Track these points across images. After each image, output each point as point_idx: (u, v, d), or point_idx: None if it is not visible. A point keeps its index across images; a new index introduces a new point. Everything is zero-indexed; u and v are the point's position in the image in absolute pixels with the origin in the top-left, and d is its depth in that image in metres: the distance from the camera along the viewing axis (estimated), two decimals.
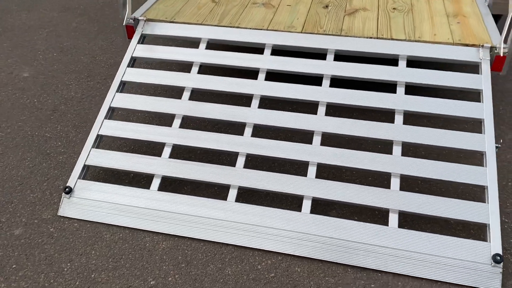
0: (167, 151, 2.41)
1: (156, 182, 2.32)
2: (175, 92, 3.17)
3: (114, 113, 2.87)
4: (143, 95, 2.61)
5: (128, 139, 2.57)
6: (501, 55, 2.42)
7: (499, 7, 3.10)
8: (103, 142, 2.74)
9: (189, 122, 2.89)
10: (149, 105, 2.56)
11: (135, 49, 2.78)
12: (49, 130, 2.89)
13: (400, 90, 2.47)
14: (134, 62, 2.78)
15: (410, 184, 2.42)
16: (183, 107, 2.54)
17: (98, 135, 2.49)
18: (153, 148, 2.72)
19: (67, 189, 2.30)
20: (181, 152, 2.69)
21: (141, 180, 2.51)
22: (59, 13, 4.41)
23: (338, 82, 2.87)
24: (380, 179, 2.48)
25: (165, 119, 2.94)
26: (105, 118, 2.54)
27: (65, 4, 4.59)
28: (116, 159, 2.40)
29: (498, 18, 3.24)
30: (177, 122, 2.50)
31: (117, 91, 2.63)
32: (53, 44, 3.86)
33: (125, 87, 2.74)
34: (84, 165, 2.40)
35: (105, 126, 2.51)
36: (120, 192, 2.30)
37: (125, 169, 2.36)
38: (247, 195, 2.39)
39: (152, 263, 2.05)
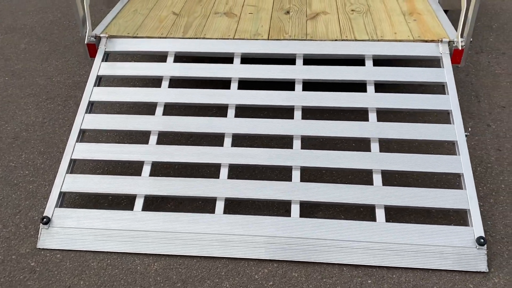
0: (146, 169, 2.35)
1: (139, 202, 2.25)
2: (146, 108, 3.09)
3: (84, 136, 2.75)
4: (115, 114, 2.53)
5: (101, 161, 2.47)
6: (460, 48, 2.57)
7: (447, 3, 3.29)
8: (75, 166, 2.63)
9: (161, 138, 2.83)
10: (122, 124, 2.48)
11: (100, 67, 2.69)
12: (13, 159, 2.73)
13: (370, 88, 2.55)
14: (100, 81, 2.69)
15: (388, 178, 2.50)
16: (158, 123, 2.48)
17: (71, 160, 2.38)
18: (128, 168, 2.64)
19: (45, 220, 2.18)
20: (159, 169, 2.63)
21: (121, 202, 2.42)
22: (4, 35, 4.18)
23: (309, 85, 2.92)
24: (360, 176, 2.55)
25: (138, 137, 2.86)
26: (77, 141, 2.43)
27: (10, 24, 4.36)
28: (94, 182, 2.30)
29: (446, 13, 3.43)
30: (153, 138, 2.45)
31: (86, 112, 2.53)
32: (2, 68, 3.65)
33: (93, 106, 2.64)
34: (60, 192, 2.29)
35: (77, 150, 2.40)
36: (102, 216, 2.21)
37: (105, 193, 2.27)
38: (233, 206, 2.37)
39: (147, 286, 1.99)
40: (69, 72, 3.57)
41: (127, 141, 2.83)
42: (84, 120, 2.50)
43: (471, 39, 2.59)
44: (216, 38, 2.79)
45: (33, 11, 4.60)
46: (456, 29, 2.70)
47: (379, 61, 3.20)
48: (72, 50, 3.88)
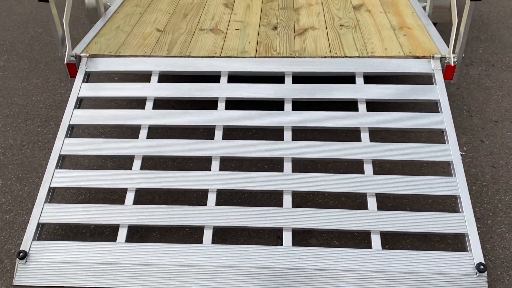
0: (130, 196, 2.23)
1: (122, 233, 2.13)
2: (130, 131, 2.97)
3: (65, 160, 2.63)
4: (96, 139, 2.41)
5: (83, 188, 2.35)
6: (452, 64, 2.51)
7: (436, 15, 3.24)
8: (55, 193, 2.50)
9: (146, 161, 2.71)
10: (104, 148, 2.36)
11: (81, 88, 2.58)
12: None
13: (362, 107, 2.48)
14: (81, 103, 2.58)
15: (382, 199, 2.42)
16: (142, 146, 2.37)
17: (50, 188, 2.25)
18: (111, 193, 2.52)
19: (21, 254, 2.04)
20: (143, 194, 2.51)
21: (103, 232, 2.30)
22: None
23: (298, 103, 2.83)
24: (353, 198, 2.46)
25: (121, 161, 2.74)
26: (56, 168, 2.31)
27: None
28: (74, 212, 2.18)
29: (435, 25, 3.39)
30: (137, 163, 2.33)
31: (66, 137, 2.41)
32: None
33: (74, 130, 2.52)
34: (38, 224, 2.16)
35: (57, 177, 2.28)
36: (84, 249, 2.08)
37: (86, 223, 2.15)
38: (222, 233, 2.26)
39: None
40: (50, 90, 3.44)
41: (110, 165, 2.71)
42: (64, 145, 2.38)
43: (463, 55, 2.53)
44: (202, 56, 2.70)
45: (13, 26, 4.47)
46: (447, 44, 2.65)
47: (370, 77, 3.13)
48: (53, 67, 3.75)
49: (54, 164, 2.31)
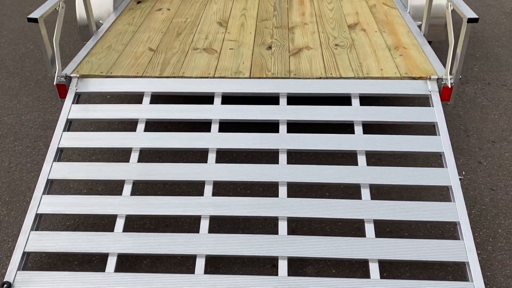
0: (120, 223, 2.16)
1: (112, 262, 2.05)
2: (121, 154, 2.90)
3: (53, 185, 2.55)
4: (86, 163, 2.34)
5: (71, 214, 2.28)
6: (449, 86, 2.47)
7: (431, 34, 3.22)
8: (42, 218, 2.42)
9: (136, 185, 2.64)
10: (93, 173, 2.29)
11: (70, 110, 2.51)
12: None
13: (358, 129, 2.43)
14: (71, 125, 2.51)
15: (380, 225, 2.36)
16: (132, 171, 2.30)
17: (37, 215, 2.18)
18: (101, 219, 2.44)
19: (5, 286, 1.96)
20: (134, 220, 2.44)
21: (92, 259, 2.22)
22: None
23: (294, 124, 2.78)
24: (350, 223, 2.40)
25: (111, 185, 2.66)
26: (44, 193, 2.23)
27: None
28: (61, 240, 2.10)
29: (429, 44, 3.37)
30: (127, 188, 2.26)
31: (54, 161, 2.34)
32: None
33: (63, 152, 2.45)
34: (24, 253, 2.07)
35: (44, 203, 2.20)
36: (71, 279, 2.00)
37: (74, 252, 2.07)
38: (215, 262, 2.19)
39: None
40: (40, 109, 3.37)
41: (100, 187, 2.64)
42: (52, 169, 2.31)
43: (460, 76, 2.50)
44: (196, 77, 2.65)
45: (4, 42, 4.40)
46: (443, 64, 2.62)
47: (366, 98, 3.09)
48: (44, 84, 3.69)
49: (41, 189, 2.23)
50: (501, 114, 3.22)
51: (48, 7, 2.49)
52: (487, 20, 4.71)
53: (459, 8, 2.38)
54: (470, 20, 2.29)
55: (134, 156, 2.36)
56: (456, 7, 2.42)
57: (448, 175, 2.22)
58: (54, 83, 2.55)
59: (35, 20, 2.37)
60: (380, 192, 2.58)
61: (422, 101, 3.29)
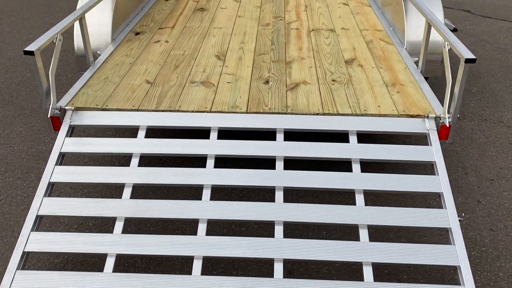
0: (110, 262, 2.08)
1: None
2: (114, 189, 2.85)
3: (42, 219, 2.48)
4: (77, 198, 2.28)
5: (62, 253, 2.20)
6: (447, 125, 2.46)
7: (428, 70, 3.24)
8: (30, 257, 2.34)
9: (128, 222, 2.57)
10: (85, 209, 2.23)
11: (64, 143, 2.47)
12: None
13: (356, 167, 2.39)
14: (63, 159, 2.46)
15: (378, 267, 2.30)
16: (125, 207, 2.24)
17: (24, 253, 2.10)
18: (91, 257, 2.36)
19: None
20: (125, 258, 2.36)
21: None
22: None
23: (290, 160, 2.75)
24: (348, 264, 2.34)
25: (102, 222, 2.60)
26: (32, 230, 2.16)
27: None
28: (48, 280, 2.01)
29: (426, 79, 3.39)
30: (119, 225, 2.20)
31: (45, 195, 2.28)
32: None
33: (54, 188, 2.39)
34: None
35: (32, 240, 2.13)
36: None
37: None
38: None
39: None
40: (34, 139, 3.33)
41: (91, 223, 2.57)
42: (42, 205, 2.24)
43: (458, 115, 2.49)
44: (192, 111, 2.62)
45: (1, 70, 4.40)
46: (440, 102, 2.61)
47: (364, 135, 3.08)
48: (38, 113, 3.66)
49: (29, 226, 2.16)
50: (499, 152, 3.21)
51: (46, 39, 2.47)
52: (482, 55, 4.76)
53: (456, 48, 2.39)
54: (468, 61, 2.29)
55: (127, 191, 2.31)
56: (453, 47, 2.43)
57: (447, 216, 2.18)
58: (48, 116, 2.52)
59: (31, 53, 2.35)
60: (378, 231, 2.53)
61: (420, 137, 3.28)
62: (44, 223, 2.54)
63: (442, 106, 2.54)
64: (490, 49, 4.92)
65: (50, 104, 2.53)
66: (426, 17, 2.87)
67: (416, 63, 3.16)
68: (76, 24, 3.24)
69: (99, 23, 3.43)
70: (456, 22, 5.81)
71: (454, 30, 5.52)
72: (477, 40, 5.16)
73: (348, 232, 2.52)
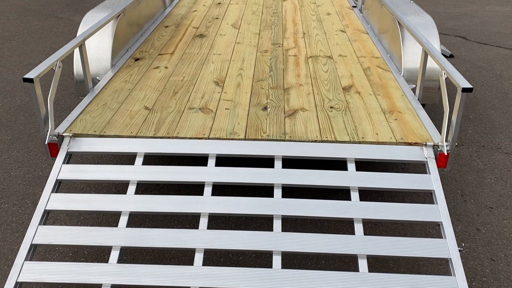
0: None
1: None
2: (110, 215, 2.82)
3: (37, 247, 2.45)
4: (72, 227, 2.25)
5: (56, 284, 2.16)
6: (445, 153, 2.45)
7: (425, 97, 3.26)
8: (23, 286, 2.29)
9: (124, 251, 2.53)
10: (80, 238, 2.20)
11: (61, 170, 2.45)
12: None
13: (354, 195, 2.38)
14: (60, 186, 2.44)
15: None
16: (121, 236, 2.21)
17: (17, 283, 2.06)
18: (85, 287, 2.32)
19: None
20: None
21: None
22: None
23: (289, 188, 2.74)
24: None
25: (98, 252, 2.56)
26: (26, 259, 2.13)
27: None
28: None
29: (423, 107, 3.40)
30: (114, 254, 2.16)
31: (40, 224, 2.25)
32: None
33: (50, 214, 2.37)
34: None
35: (25, 270, 2.09)
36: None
37: None
38: None
39: None
40: (30, 164, 3.31)
41: (87, 251, 2.53)
42: (37, 233, 2.22)
43: (456, 144, 2.49)
44: (190, 138, 2.62)
45: (0, 94, 4.41)
46: (438, 130, 2.62)
47: (362, 163, 3.07)
48: (36, 138, 3.65)
49: (23, 255, 2.13)
50: (497, 179, 3.20)
51: (45, 66, 2.49)
52: (478, 81, 4.81)
53: (453, 77, 2.41)
54: (465, 90, 2.31)
55: (123, 219, 2.29)
56: (450, 76, 2.45)
57: (447, 246, 2.15)
58: (46, 142, 2.51)
59: (30, 80, 2.36)
60: (377, 260, 2.49)
61: (418, 164, 3.28)
62: (39, 251, 2.51)
63: (440, 134, 2.55)
64: (487, 75, 4.97)
65: (48, 131, 2.52)
66: (422, 45, 2.91)
67: (414, 90, 3.18)
68: (76, 50, 3.27)
69: (99, 49, 3.46)
70: (452, 48, 5.89)
71: (450, 56, 5.59)
72: (473, 66, 5.21)
73: (347, 262, 2.49)
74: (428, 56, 2.93)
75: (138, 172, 2.46)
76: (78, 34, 3.43)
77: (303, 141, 2.60)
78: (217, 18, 4.85)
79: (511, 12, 7.77)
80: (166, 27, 4.51)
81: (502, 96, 4.48)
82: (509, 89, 4.65)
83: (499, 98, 4.43)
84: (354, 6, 5.31)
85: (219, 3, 5.49)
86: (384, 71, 3.52)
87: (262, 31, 4.43)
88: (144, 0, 4.38)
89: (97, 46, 3.46)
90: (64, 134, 2.58)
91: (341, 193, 3.00)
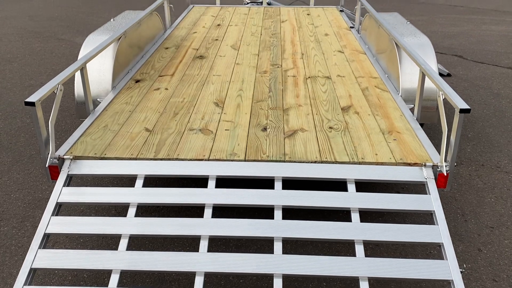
0: None
1: None
2: (110, 238, 2.81)
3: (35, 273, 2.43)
4: (72, 250, 2.24)
5: None
6: (445, 173, 2.46)
7: (423, 116, 3.28)
8: None
9: (124, 275, 2.52)
10: (80, 261, 2.19)
11: (61, 193, 2.46)
12: None
13: (355, 216, 2.38)
14: (60, 209, 2.44)
15: None
16: (121, 260, 2.20)
17: None
18: None
19: None
20: None
21: None
22: None
23: (289, 209, 2.73)
24: None
25: (97, 273, 2.54)
26: (25, 284, 2.11)
27: None
28: None
29: (421, 126, 3.42)
30: (114, 278, 2.15)
31: (39, 247, 2.24)
32: None
33: (49, 238, 2.36)
34: None
35: None
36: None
37: None
38: None
39: None
40: (30, 186, 3.31)
41: (86, 274, 2.51)
42: (37, 257, 2.20)
43: (455, 164, 2.50)
44: (190, 159, 2.63)
45: (1, 116, 4.44)
46: (437, 150, 2.63)
47: (361, 182, 3.07)
48: (37, 160, 3.66)
49: (22, 280, 2.11)
50: (497, 198, 3.20)
51: (47, 90, 2.51)
52: (476, 100, 4.84)
53: (451, 98, 2.44)
54: (463, 111, 2.33)
55: (123, 242, 2.28)
56: (448, 97, 2.48)
57: (449, 268, 2.14)
58: (46, 165, 2.52)
59: (32, 104, 2.38)
60: (379, 282, 2.48)
61: (417, 184, 3.28)
62: (38, 274, 2.49)
63: (439, 154, 2.56)
64: (484, 94, 5.01)
65: (48, 154, 2.53)
66: (420, 67, 2.94)
67: (412, 110, 3.21)
68: (77, 72, 3.30)
69: (100, 70, 3.50)
70: (449, 67, 5.95)
71: (447, 75, 5.64)
72: (471, 85, 5.26)
73: (348, 284, 2.47)
74: (426, 77, 2.96)
75: (138, 195, 2.46)
76: (79, 56, 3.47)
77: (303, 162, 2.61)
78: (216, 40, 4.92)
79: (507, 32, 7.88)
80: (166, 49, 4.56)
81: (500, 114, 4.51)
82: (506, 107, 4.69)
83: (497, 117, 4.46)
84: (351, 27, 5.39)
85: (218, 25, 5.57)
86: (382, 91, 3.55)
87: (261, 52, 4.48)
88: (145, 22, 4.45)
89: (98, 68, 3.50)
90: (64, 157, 2.59)
91: (341, 214, 3.00)
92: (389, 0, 11.06)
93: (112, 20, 4.30)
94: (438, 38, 7.42)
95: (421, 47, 3.59)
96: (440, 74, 5.48)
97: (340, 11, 6.34)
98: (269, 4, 7.26)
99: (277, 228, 2.32)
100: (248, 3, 7.40)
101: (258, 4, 7.34)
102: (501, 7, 10.21)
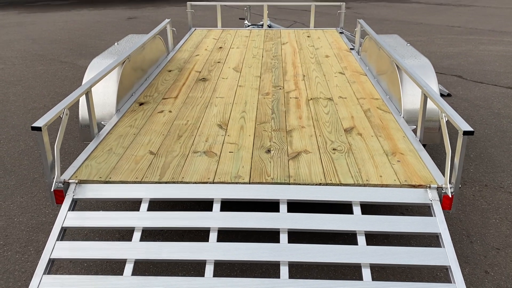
0: None
1: None
2: (114, 262, 2.79)
3: None
4: (77, 276, 2.23)
5: None
6: (450, 195, 2.46)
7: (426, 137, 3.30)
8: None
9: None
10: (84, 287, 2.17)
11: (66, 217, 2.45)
12: None
13: (361, 239, 2.37)
14: (65, 234, 2.43)
15: None
16: (126, 285, 2.18)
17: None
18: None
19: None
20: None
21: None
22: None
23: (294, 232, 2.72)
24: None
25: None
26: None
27: None
28: None
29: (424, 147, 3.44)
30: None
31: (44, 273, 2.23)
32: None
33: (54, 262, 2.34)
34: None
35: None
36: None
37: None
38: None
39: None
40: (34, 210, 3.30)
41: None
42: (42, 283, 2.19)
43: (460, 186, 2.50)
44: (195, 182, 2.63)
45: (4, 139, 4.45)
46: (441, 171, 2.63)
47: (367, 205, 3.07)
48: (40, 183, 3.66)
49: None
50: (502, 219, 3.19)
51: (53, 114, 2.53)
52: (477, 120, 4.87)
53: (454, 120, 2.46)
54: (466, 133, 2.35)
55: (128, 267, 2.26)
56: (451, 119, 2.50)
57: None
58: (52, 190, 2.52)
59: (38, 129, 2.40)
60: None
61: (422, 206, 3.27)
62: None
63: (443, 175, 2.56)
64: (485, 114, 5.04)
65: (54, 178, 2.54)
66: (422, 89, 2.97)
67: (414, 131, 3.22)
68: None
69: (104, 94, 3.53)
70: (449, 87, 6.01)
71: (448, 95, 5.69)
72: (471, 105, 5.30)
73: None
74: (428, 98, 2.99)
75: (143, 219, 2.45)
76: (84, 80, 3.51)
77: (308, 184, 2.61)
78: (219, 62, 4.98)
79: (505, 51, 7.97)
80: (169, 72, 4.61)
81: (501, 134, 4.53)
82: (507, 127, 4.71)
83: (499, 137, 4.48)
84: (351, 48, 5.46)
85: (220, 47, 5.64)
86: (384, 112, 3.57)
87: (263, 74, 4.53)
88: (148, 45, 4.51)
89: (102, 91, 3.54)
90: (70, 181, 2.59)
91: (347, 236, 2.98)
92: (387, 22, 11.23)
93: (116, 44, 4.36)
94: (437, 59, 7.50)
95: (422, 69, 3.63)
96: (441, 95, 5.52)
97: (340, 33, 6.43)
98: (269, 26, 7.37)
99: (283, 252, 2.30)
100: (249, 26, 7.51)
101: (259, 27, 7.45)
102: (498, 27, 10.36)
